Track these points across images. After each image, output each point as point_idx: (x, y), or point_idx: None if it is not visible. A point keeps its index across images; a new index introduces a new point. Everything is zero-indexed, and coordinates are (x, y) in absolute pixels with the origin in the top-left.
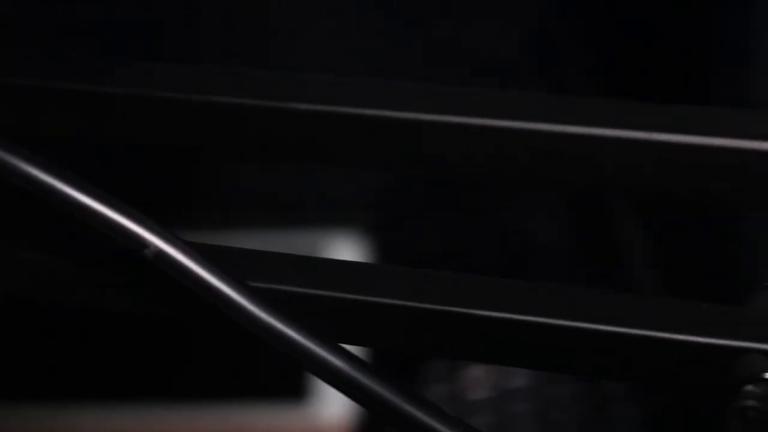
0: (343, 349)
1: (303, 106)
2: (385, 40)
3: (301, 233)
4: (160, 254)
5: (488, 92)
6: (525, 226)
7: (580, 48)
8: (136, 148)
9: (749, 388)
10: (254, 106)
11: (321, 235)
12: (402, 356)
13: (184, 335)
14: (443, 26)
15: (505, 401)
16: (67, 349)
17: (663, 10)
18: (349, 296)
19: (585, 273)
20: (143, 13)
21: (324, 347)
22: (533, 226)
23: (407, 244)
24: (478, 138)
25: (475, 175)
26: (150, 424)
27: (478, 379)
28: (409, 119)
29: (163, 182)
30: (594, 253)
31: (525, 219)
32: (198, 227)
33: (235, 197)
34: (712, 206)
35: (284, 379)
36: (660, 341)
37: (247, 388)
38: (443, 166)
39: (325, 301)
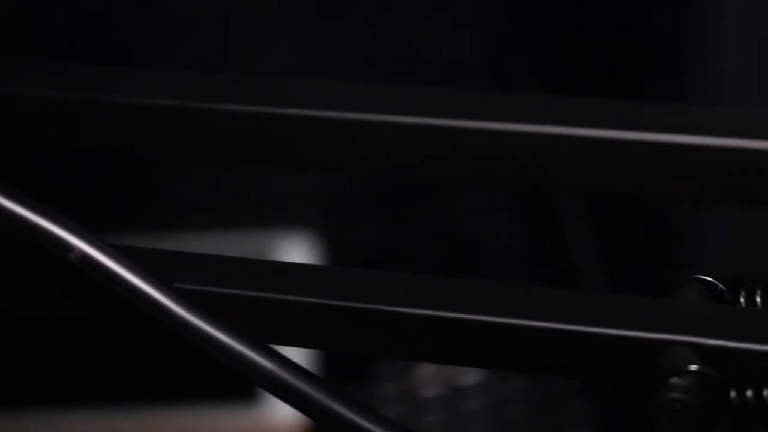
0: (271, 350)
1: (252, 109)
2: (335, 39)
3: (252, 234)
4: (85, 258)
5: (437, 91)
6: (475, 224)
7: (528, 46)
8: (91, 153)
9: (675, 380)
10: (204, 109)
11: (272, 236)
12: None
13: (133, 338)
14: (394, 25)
15: (456, 398)
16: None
17: (604, 7)
18: (276, 296)
19: (535, 270)
20: (93, 19)
21: (250, 348)
22: (483, 224)
23: (358, 244)
24: (428, 137)
25: (425, 174)
26: (99, 426)
27: (430, 377)
28: (358, 120)
29: (115, 186)
30: (543, 249)
31: (475, 217)
32: (149, 230)
33: (187, 199)
34: (657, 202)
35: (237, 380)
36: (586, 336)
37: (199, 390)
38: (393, 166)
39: (253, 302)
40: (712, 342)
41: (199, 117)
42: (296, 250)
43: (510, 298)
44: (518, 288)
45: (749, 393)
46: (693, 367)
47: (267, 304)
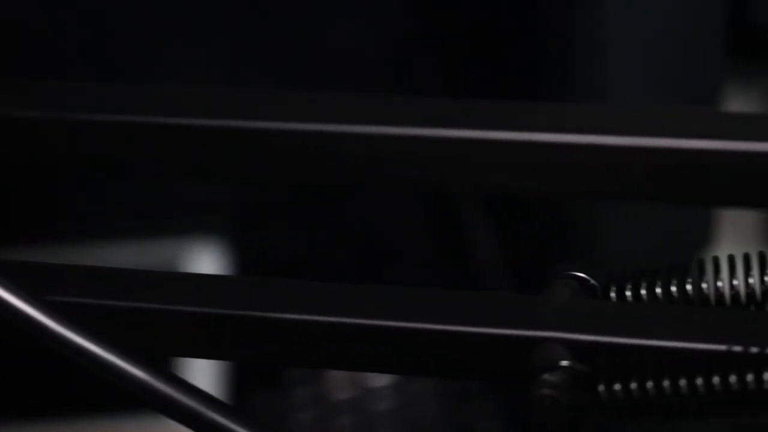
0: (143, 359)
1: (159, 120)
2: (240, 43)
3: (162, 242)
4: None
5: (340, 96)
6: (384, 229)
7: (432, 49)
8: None
9: (546, 376)
10: (115, 121)
11: (182, 244)
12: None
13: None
14: (303, 28)
15: (367, 400)
16: None
17: (501, 10)
18: (150, 306)
19: (441, 273)
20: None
21: (121, 358)
22: (392, 228)
23: (266, 251)
24: (334, 143)
25: (332, 181)
26: None
27: (341, 380)
28: (263, 128)
29: (23, 197)
30: (448, 252)
31: (384, 222)
32: (60, 240)
33: (97, 209)
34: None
35: None
36: (459, 335)
37: (104, 398)
38: (299, 173)
39: (126, 312)
40: (581, 337)
41: (105, 130)
42: (207, 258)
43: (377, 300)
44: (385, 291)
45: (617, 387)
46: (563, 363)
47: (140, 314)
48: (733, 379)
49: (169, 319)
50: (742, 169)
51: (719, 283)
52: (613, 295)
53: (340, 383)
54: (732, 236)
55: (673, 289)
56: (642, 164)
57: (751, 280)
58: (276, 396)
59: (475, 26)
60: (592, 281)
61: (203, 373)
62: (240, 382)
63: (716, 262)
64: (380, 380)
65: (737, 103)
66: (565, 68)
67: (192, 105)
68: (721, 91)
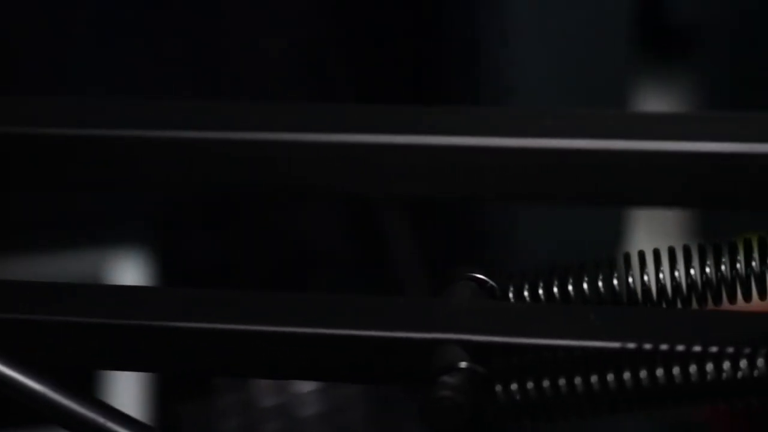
0: (35, 371)
1: (79, 132)
2: (154, 49)
3: (84, 253)
4: None
5: (256, 104)
6: (306, 235)
7: (344, 55)
8: None
9: (444, 378)
10: (36, 134)
11: (104, 255)
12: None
13: None
14: (219, 36)
15: (294, 406)
16: None
17: (408, 14)
18: (69, 319)
19: (363, 279)
20: None
21: (17, 371)
22: (314, 234)
23: (189, 260)
24: (251, 151)
25: (250, 189)
26: None
27: (268, 387)
28: (181, 138)
29: None
30: (370, 258)
31: (306, 228)
32: None
33: (17, 221)
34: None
35: None
36: (359, 339)
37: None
38: (218, 182)
39: (46, 326)
40: (478, 338)
41: (34, 143)
42: (130, 269)
43: (278, 307)
44: (287, 297)
45: (514, 387)
46: (461, 365)
47: (71, 328)
48: (627, 376)
49: (88, 331)
50: (646, 168)
51: (615, 282)
52: (511, 295)
53: (266, 389)
54: (648, 234)
55: (570, 288)
56: (545, 166)
57: (661, 276)
58: (203, 403)
59: (387, 32)
60: (491, 282)
61: (129, 381)
62: (166, 389)
63: (626, 258)
64: (307, 386)
65: (651, 100)
66: (473, 70)
67: (111, 116)
68: (633, 88)
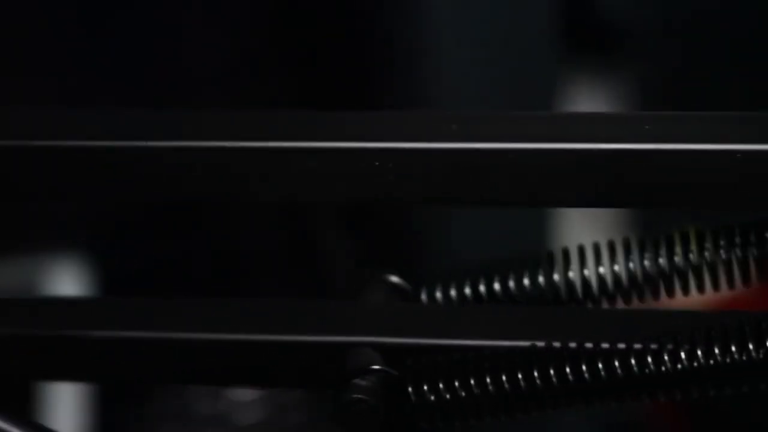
0: None
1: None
2: (95, 57)
3: (21, 262)
4: None
5: (188, 113)
6: (240, 240)
7: (279, 61)
8: None
9: (357, 381)
10: None
11: (39, 261)
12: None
13: None
14: (152, 42)
15: (233, 413)
16: None
17: (337, 21)
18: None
19: (297, 283)
20: None
21: None
22: (247, 240)
23: (125, 266)
24: (183, 158)
25: (180, 196)
26: None
27: (206, 393)
28: (108, 147)
29: None
30: (303, 261)
31: (240, 234)
32: None
33: None
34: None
35: None
36: (272, 344)
37: None
38: (158, 191)
39: None
40: (390, 340)
41: None
42: (67, 276)
43: (192, 313)
44: (204, 303)
45: (426, 388)
46: (374, 367)
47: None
48: (536, 375)
49: (19, 343)
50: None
51: (526, 281)
52: (424, 297)
53: (204, 396)
54: (584, 230)
55: (482, 288)
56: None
57: (571, 274)
58: (141, 409)
59: (321, 39)
60: (405, 284)
61: (67, 388)
62: (104, 396)
63: (549, 256)
64: (246, 393)
65: (580, 98)
66: (397, 74)
67: (41, 126)
68: (561, 86)
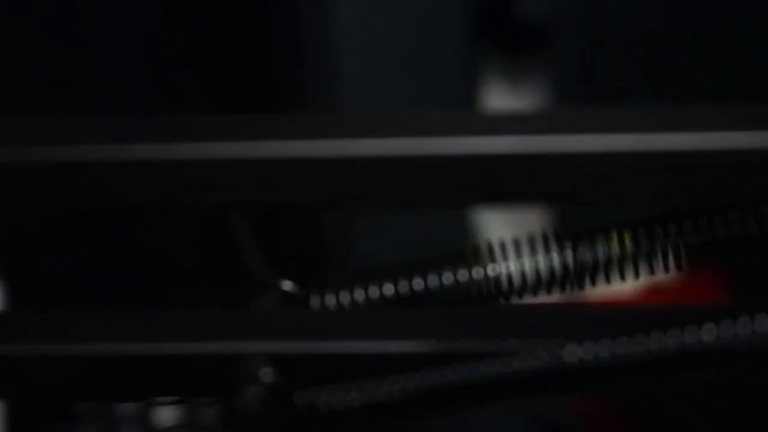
0: None
1: None
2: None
3: None
4: None
5: (102, 119)
6: (164, 251)
7: (194, 66)
8: None
9: (246, 390)
10: None
11: None
12: None
13: None
14: (59, 49)
15: (151, 412)
16: None
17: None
18: None
19: (222, 292)
20: None
21: None
22: (171, 250)
23: (46, 279)
24: (103, 170)
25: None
26: None
27: (130, 416)
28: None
29: None
30: (227, 270)
31: (164, 244)
32: None
33: None
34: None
35: None
36: (160, 356)
37: None
38: (72, 204)
39: None
40: (280, 349)
41: None
42: None
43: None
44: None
45: (314, 396)
46: (262, 376)
47: None
48: (426, 379)
49: None
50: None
51: (416, 283)
52: (317, 303)
53: (128, 419)
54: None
55: (373, 293)
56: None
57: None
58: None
59: (229, 40)
60: (298, 290)
61: None
62: (29, 414)
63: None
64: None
65: (498, 96)
66: (305, 75)
67: None
68: (477, 84)
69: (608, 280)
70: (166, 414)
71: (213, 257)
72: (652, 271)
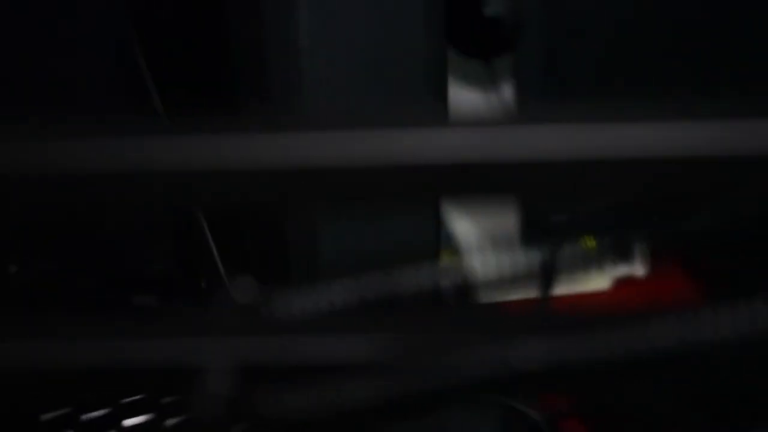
0: None
1: None
2: None
3: None
4: None
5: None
6: (127, 254)
7: (155, 69)
8: None
9: (196, 400)
10: None
11: None
12: None
13: None
14: (23, 54)
15: (118, 414)
16: None
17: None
18: None
19: (186, 295)
20: None
21: None
22: (138, 255)
23: (11, 283)
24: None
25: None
26: None
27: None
28: None
29: None
30: (191, 274)
31: (127, 248)
32: None
33: None
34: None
35: None
36: (114, 370)
37: None
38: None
39: None
40: (240, 353)
41: None
42: None
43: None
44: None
45: (269, 406)
46: (216, 387)
47: None
48: (388, 383)
49: None
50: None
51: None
52: (280, 304)
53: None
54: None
55: (338, 295)
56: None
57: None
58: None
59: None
60: (260, 291)
61: None
62: None
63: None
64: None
65: (464, 95)
66: (267, 76)
67: None
68: (443, 84)
69: (578, 277)
70: (131, 422)
71: (178, 261)
72: (621, 267)
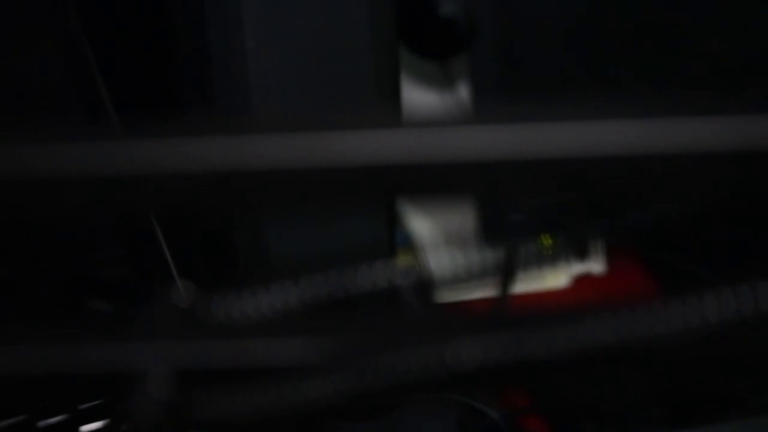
0: None
1: None
2: None
3: None
4: None
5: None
6: (83, 261)
7: (100, 69)
8: None
9: (137, 405)
10: None
11: None
12: None
13: None
14: None
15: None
16: None
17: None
18: None
19: (140, 298)
20: None
21: None
22: (91, 260)
23: None
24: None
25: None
26: None
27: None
28: None
29: None
30: (146, 277)
31: (82, 251)
32: None
33: None
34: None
35: None
36: (57, 377)
37: None
38: None
39: None
40: (178, 356)
41: None
42: None
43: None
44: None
45: (212, 412)
46: (156, 393)
47: None
48: (330, 385)
49: None
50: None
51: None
52: (221, 307)
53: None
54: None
55: (278, 298)
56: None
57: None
58: None
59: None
60: (197, 302)
61: None
62: None
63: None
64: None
65: (418, 96)
66: (213, 78)
67: None
68: (394, 86)
69: (536, 275)
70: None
71: (132, 265)
72: (578, 264)
